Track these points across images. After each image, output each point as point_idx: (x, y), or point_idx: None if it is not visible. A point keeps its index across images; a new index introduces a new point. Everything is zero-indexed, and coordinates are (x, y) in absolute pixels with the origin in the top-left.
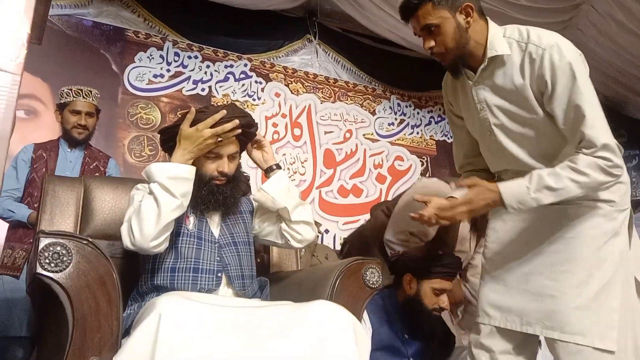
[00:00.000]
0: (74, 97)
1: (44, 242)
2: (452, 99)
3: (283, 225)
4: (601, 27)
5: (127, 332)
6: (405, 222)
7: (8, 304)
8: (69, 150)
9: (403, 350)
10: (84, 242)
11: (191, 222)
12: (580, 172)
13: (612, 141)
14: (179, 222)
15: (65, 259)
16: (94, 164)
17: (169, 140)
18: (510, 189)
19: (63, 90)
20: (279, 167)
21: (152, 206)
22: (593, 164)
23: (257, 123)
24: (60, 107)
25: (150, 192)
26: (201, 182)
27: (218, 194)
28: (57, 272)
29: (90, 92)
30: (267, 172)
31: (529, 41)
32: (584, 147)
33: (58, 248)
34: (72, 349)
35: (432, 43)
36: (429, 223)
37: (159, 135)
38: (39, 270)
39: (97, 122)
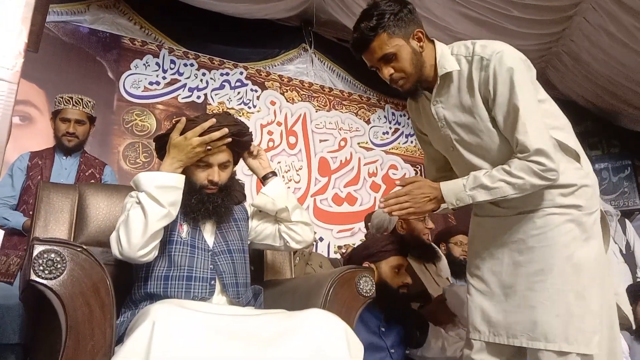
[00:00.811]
0: (64, 104)
1: (38, 249)
2: (416, 118)
3: (282, 226)
4: (593, 39)
5: (120, 340)
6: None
7: (1, 311)
8: (64, 157)
9: (382, 343)
10: (78, 249)
11: (184, 230)
12: (513, 174)
13: (545, 146)
14: (172, 230)
15: (59, 266)
16: (90, 171)
17: (163, 147)
18: (449, 186)
19: (56, 98)
20: (275, 174)
21: (140, 216)
22: (526, 168)
23: (251, 132)
24: (54, 115)
25: (138, 202)
26: (191, 190)
27: (208, 203)
28: (51, 279)
29: (81, 100)
30: (264, 179)
31: (474, 54)
32: (519, 152)
33: (52, 255)
34: (65, 356)
35: (392, 70)
36: (389, 214)
37: (154, 142)
38: (33, 277)
39: (93, 130)
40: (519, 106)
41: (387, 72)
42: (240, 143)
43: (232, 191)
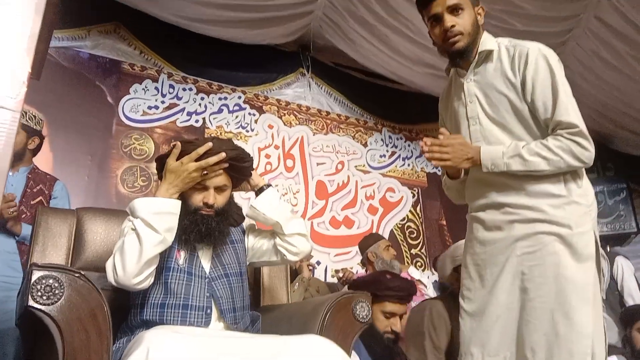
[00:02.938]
0: None
1: (36, 274)
2: (444, 111)
3: (277, 240)
4: (587, 64)
5: None
6: None
7: None
8: (11, 173)
9: None
10: (76, 275)
11: (182, 257)
12: (552, 151)
13: (585, 129)
14: (170, 256)
15: (57, 292)
16: (38, 187)
17: (163, 168)
18: (489, 149)
19: None
20: (269, 185)
21: (134, 242)
22: (566, 147)
23: (252, 158)
24: None
25: (134, 228)
26: (187, 212)
27: (201, 225)
28: (48, 305)
29: (34, 117)
30: (258, 193)
31: (516, 44)
32: (563, 129)
33: (50, 281)
34: None
35: (455, 21)
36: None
37: (155, 162)
38: (31, 302)
39: (91, 152)
40: (559, 90)
41: (450, 21)
42: (238, 168)
43: (229, 216)
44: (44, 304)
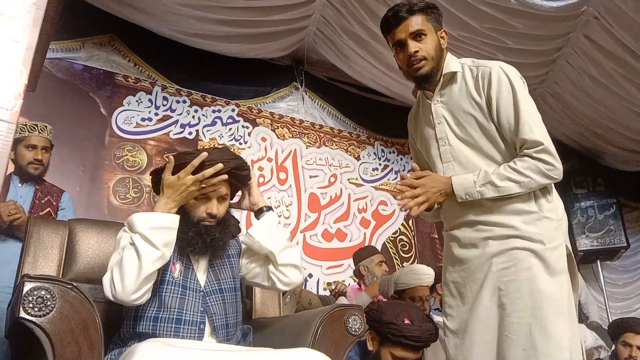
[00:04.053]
0: (29, 132)
1: (28, 286)
2: (413, 130)
3: (270, 267)
4: (576, 81)
5: None
6: None
7: None
8: (20, 185)
9: None
10: (68, 286)
11: (177, 269)
12: (521, 173)
13: (551, 145)
14: (165, 269)
15: (49, 303)
16: (46, 199)
17: (159, 182)
18: (460, 180)
19: (19, 126)
20: (269, 208)
21: (133, 258)
22: (534, 167)
23: (249, 166)
24: (15, 143)
25: (132, 243)
26: (189, 223)
27: (206, 235)
28: (40, 316)
29: (46, 127)
30: (257, 214)
31: (479, 65)
32: (528, 148)
33: (42, 292)
34: None
35: (419, 46)
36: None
37: (150, 176)
38: (22, 314)
39: (84, 163)
40: (521, 108)
41: (414, 47)
42: (238, 176)
43: (229, 224)
44: (36, 316)
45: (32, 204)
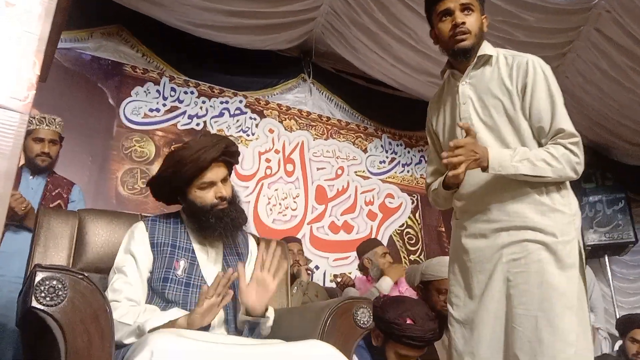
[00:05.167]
0: (37, 124)
1: (40, 275)
2: (434, 113)
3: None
4: (587, 75)
5: None
6: None
7: None
8: (31, 177)
9: None
10: (80, 276)
11: (181, 266)
12: (558, 160)
13: (580, 140)
14: (168, 267)
15: (60, 293)
16: (57, 191)
17: (161, 186)
18: (497, 152)
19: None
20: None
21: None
22: (566, 156)
23: (235, 143)
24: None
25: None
26: (203, 212)
27: (226, 218)
28: (51, 306)
29: (54, 119)
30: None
31: (514, 54)
32: (562, 138)
33: (54, 282)
34: None
35: (465, 19)
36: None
37: (149, 187)
38: (34, 303)
39: (92, 153)
40: (556, 99)
41: (461, 18)
42: (231, 154)
43: (239, 201)
44: (47, 305)
45: (43, 196)
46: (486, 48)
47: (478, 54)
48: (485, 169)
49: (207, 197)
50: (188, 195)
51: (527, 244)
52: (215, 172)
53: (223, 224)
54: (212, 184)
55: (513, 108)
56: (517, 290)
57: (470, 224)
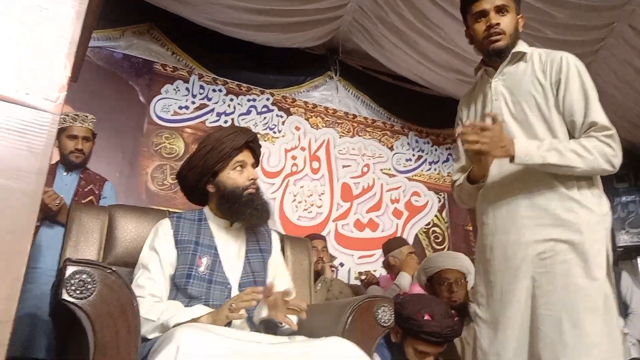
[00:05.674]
0: (70, 122)
1: (70, 269)
2: (464, 109)
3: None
4: (620, 73)
5: None
6: None
7: (30, 327)
8: (65, 173)
9: None
10: (108, 271)
11: (203, 263)
12: (588, 150)
13: (616, 134)
14: (191, 264)
15: (90, 286)
16: (89, 187)
17: (191, 172)
18: (523, 142)
19: (62, 116)
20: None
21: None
22: (601, 150)
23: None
24: (59, 132)
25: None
26: (234, 195)
27: (257, 202)
28: (81, 299)
29: (87, 117)
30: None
31: (549, 52)
32: (596, 131)
33: (84, 276)
34: None
35: (499, 20)
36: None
37: (178, 180)
38: (65, 296)
39: (123, 149)
40: (590, 93)
41: (496, 19)
42: (258, 145)
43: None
44: (77, 298)
45: (76, 192)
46: (521, 46)
47: (513, 51)
48: (512, 158)
49: (240, 179)
50: (220, 177)
51: (554, 243)
52: (247, 155)
53: (252, 209)
54: (244, 165)
55: (546, 104)
56: (541, 291)
57: (495, 221)
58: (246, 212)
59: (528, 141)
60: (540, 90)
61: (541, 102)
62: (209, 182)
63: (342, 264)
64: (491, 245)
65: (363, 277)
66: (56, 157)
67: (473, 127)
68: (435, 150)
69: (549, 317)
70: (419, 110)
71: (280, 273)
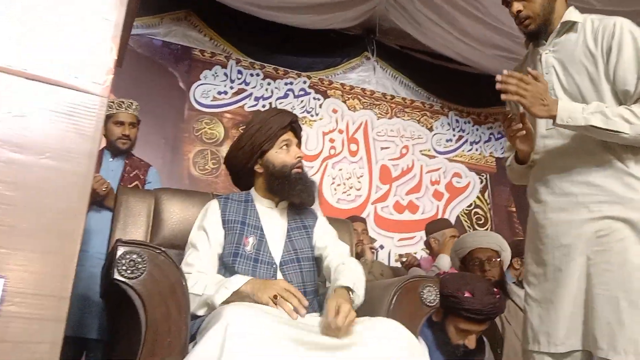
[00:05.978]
0: (116, 109)
1: (121, 250)
2: None
3: (332, 270)
4: None
5: (192, 338)
6: None
7: (81, 309)
8: (111, 159)
9: None
10: (157, 251)
11: (250, 243)
12: (636, 115)
13: None
14: (238, 243)
15: (140, 266)
16: (134, 172)
17: (240, 151)
18: (567, 103)
19: (108, 102)
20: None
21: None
22: None
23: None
24: (106, 119)
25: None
26: (282, 173)
27: (305, 179)
28: (132, 278)
29: (132, 103)
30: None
31: (602, 18)
32: None
33: (134, 256)
34: (145, 351)
35: (521, 7)
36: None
37: (225, 160)
38: (117, 276)
39: (165, 135)
40: None
41: (516, 7)
42: (299, 126)
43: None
44: (129, 278)
45: (122, 177)
46: (571, 14)
47: (562, 21)
48: (553, 119)
49: (287, 157)
50: (268, 156)
51: (610, 221)
52: (292, 135)
53: (302, 186)
54: (290, 144)
55: (596, 72)
56: (597, 269)
57: (547, 197)
58: (296, 188)
59: (572, 103)
60: (591, 59)
61: (592, 71)
62: (257, 162)
63: (382, 247)
64: (543, 224)
65: (404, 259)
66: (102, 144)
67: (509, 77)
68: (477, 130)
69: (604, 296)
70: (460, 89)
71: (326, 231)
